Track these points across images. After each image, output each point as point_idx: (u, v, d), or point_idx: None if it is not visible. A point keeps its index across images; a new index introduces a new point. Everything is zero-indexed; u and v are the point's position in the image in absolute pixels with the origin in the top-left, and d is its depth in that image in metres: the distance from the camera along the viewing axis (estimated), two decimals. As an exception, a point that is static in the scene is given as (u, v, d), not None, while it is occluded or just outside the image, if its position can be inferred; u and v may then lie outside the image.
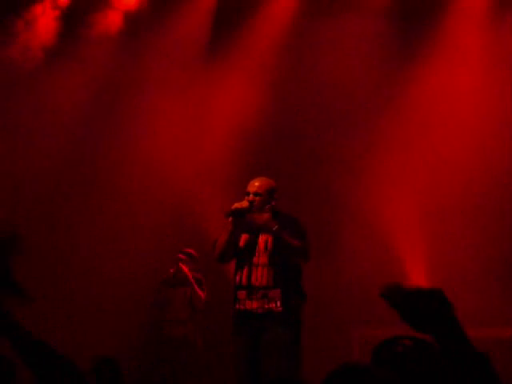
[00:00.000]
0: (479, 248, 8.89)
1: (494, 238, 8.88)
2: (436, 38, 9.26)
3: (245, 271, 5.85)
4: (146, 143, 9.63)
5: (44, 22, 9.71)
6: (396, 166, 9.19)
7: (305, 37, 9.55)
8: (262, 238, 5.87)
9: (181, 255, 8.55)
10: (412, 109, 9.27)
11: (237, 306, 5.87)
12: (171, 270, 8.56)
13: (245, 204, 5.84)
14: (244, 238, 5.93)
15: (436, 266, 8.96)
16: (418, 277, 9.01)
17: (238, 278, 5.89)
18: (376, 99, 9.38)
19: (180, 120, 9.63)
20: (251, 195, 5.88)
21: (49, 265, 9.46)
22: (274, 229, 5.75)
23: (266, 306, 5.75)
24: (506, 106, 9.01)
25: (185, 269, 8.45)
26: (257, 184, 5.92)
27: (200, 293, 8.43)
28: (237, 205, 5.84)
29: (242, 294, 5.85)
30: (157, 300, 8.63)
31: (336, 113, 9.47)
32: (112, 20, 9.75)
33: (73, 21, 9.68)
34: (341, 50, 9.37)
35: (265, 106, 9.42)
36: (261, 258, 5.84)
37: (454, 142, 9.04)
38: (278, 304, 5.74)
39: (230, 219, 5.82)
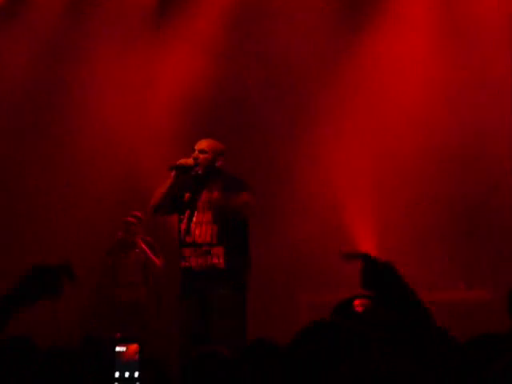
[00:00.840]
0: (427, 213, 8.98)
1: (445, 201, 8.98)
2: (384, 5, 9.27)
3: (189, 228, 5.91)
4: (92, 108, 9.56)
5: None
6: (345, 133, 9.21)
7: (253, 8, 9.50)
8: (205, 195, 5.92)
9: (129, 218, 8.52)
10: (360, 77, 9.29)
11: (182, 264, 5.92)
12: (120, 234, 8.53)
13: (189, 161, 5.90)
14: (187, 196, 5.98)
15: (384, 232, 9.03)
16: (365, 242, 9.08)
17: (182, 235, 5.96)
18: (325, 68, 9.39)
19: (126, 85, 9.54)
20: (196, 152, 5.93)
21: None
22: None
23: (210, 262, 5.81)
24: (454, 72, 9.07)
25: (139, 232, 8.41)
26: (204, 143, 6.00)
27: (154, 259, 8.41)
28: (181, 161, 5.91)
29: (186, 251, 5.91)
30: (107, 264, 8.59)
31: (284, 83, 9.48)
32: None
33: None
34: (289, 20, 9.34)
35: (212, 74, 9.42)
36: (205, 215, 5.90)
37: (403, 109, 9.10)
38: (221, 260, 5.80)
39: (173, 173, 5.89)
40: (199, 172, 5.91)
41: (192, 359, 2.95)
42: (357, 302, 2.90)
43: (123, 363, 2.59)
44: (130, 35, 9.60)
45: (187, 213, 5.95)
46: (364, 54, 9.29)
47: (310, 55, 9.35)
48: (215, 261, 5.81)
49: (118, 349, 2.62)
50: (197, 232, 5.88)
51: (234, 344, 4.80)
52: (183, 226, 5.96)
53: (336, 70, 9.37)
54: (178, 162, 5.90)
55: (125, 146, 9.41)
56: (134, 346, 2.63)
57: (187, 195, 5.99)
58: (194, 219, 5.91)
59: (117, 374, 2.59)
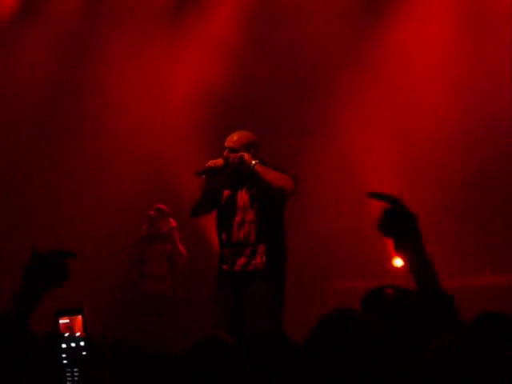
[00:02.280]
0: (451, 197, 9.01)
1: (469, 185, 9.00)
2: None
3: (231, 228, 5.73)
4: (114, 105, 9.62)
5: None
6: (367, 120, 9.23)
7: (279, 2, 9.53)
8: (245, 194, 5.74)
9: (152, 212, 8.55)
10: (382, 62, 9.30)
11: (223, 265, 5.76)
12: (144, 227, 8.57)
13: (219, 162, 5.67)
14: (226, 194, 5.78)
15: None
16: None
17: (223, 235, 5.78)
18: (344, 56, 9.40)
19: (146, 82, 9.60)
20: (226, 151, 5.70)
21: (25, 220, 9.47)
22: (251, 165, 5.58)
23: (253, 262, 5.66)
24: (474, 56, 9.08)
25: (163, 225, 8.48)
26: (233, 139, 5.71)
27: (182, 249, 8.47)
28: (210, 163, 5.67)
29: (228, 251, 5.74)
30: (132, 257, 8.64)
31: (304, 72, 9.51)
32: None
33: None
34: (309, 7, 9.37)
35: (231, 67, 9.47)
36: (247, 214, 5.71)
37: (425, 92, 9.12)
38: (264, 259, 5.65)
39: (203, 177, 5.69)
40: (232, 171, 5.69)
41: (196, 344, 2.97)
42: (388, 292, 2.90)
43: (68, 335, 2.62)
44: (149, 32, 9.64)
45: (227, 213, 5.75)
46: (383, 41, 9.31)
47: (329, 43, 9.33)
48: (258, 260, 5.66)
49: (61, 321, 2.64)
50: (240, 232, 5.70)
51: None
52: (223, 226, 5.78)
53: (356, 56, 9.39)
54: (206, 166, 5.64)
55: (148, 141, 9.48)
56: (78, 318, 2.65)
57: (225, 193, 5.77)
58: (237, 218, 5.72)
59: (63, 345, 2.62)
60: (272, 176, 5.57)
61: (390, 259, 9.33)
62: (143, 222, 8.62)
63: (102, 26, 9.65)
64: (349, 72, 9.31)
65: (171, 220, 8.54)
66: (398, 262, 9.30)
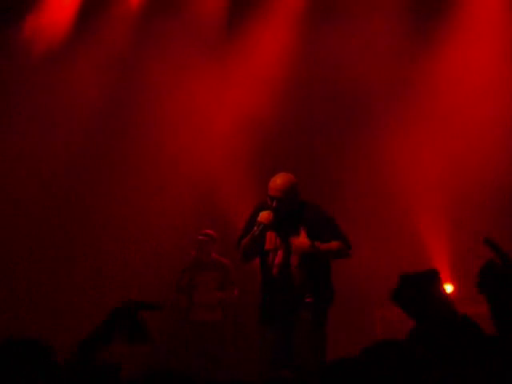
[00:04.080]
0: (497, 211, 8.94)
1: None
2: (453, 16, 9.24)
3: (272, 270, 5.79)
4: (163, 125, 9.70)
5: (59, 3, 9.77)
6: (412, 141, 9.18)
7: (319, 23, 9.56)
8: (292, 239, 5.77)
9: (202, 237, 8.54)
10: (429, 88, 9.27)
11: (267, 308, 5.84)
12: (192, 253, 8.56)
13: (269, 218, 5.69)
14: (270, 235, 5.81)
15: (457, 237, 9.00)
16: (439, 251, 9.08)
17: (265, 277, 5.85)
18: (393, 82, 9.37)
19: (193, 111, 9.66)
20: (274, 202, 5.73)
21: (73, 249, 9.57)
22: (314, 250, 5.70)
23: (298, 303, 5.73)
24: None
25: (212, 250, 8.47)
26: (277, 188, 5.74)
27: (229, 296, 8.46)
28: (262, 220, 5.70)
29: (271, 294, 5.82)
30: (182, 283, 8.60)
31: (351, 102, 9.48)
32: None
33: (89, 2, 9.71)
34: (357, 31, 9.37)
35: (277, 93, 9.47)
36: (293, 258, 5.76)
37: (473, 119, 9.04)
38: (309, 295, 5.74)
39: (256, 234, 5.73)
40: (285, 213, 5.75)
41: None
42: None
43: None
44: (197, 62, 9.69)
45: (271, 255, 5.81)
46: (430, 66, 9.27)
47: (378, 65, 9.34)
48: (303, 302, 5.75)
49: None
50: (285, 276, 5.75)
51: (314, 369, 4.82)
52: (267, 267, 5.84)
53: (407, 79, 9.37)
54: (260, 225, 5.68)
55: (194, 169, 9.53)
56: None
57: (270, 235, 5.81)
58: (281, 261, 5.78)
59: None
60: (330, 251, 5.75)
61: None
62: (192, 247, 8.62)
63: (151, 53, 9.73)
64: (394, 101, 9.31)
65: (227, 262, 8.50)
66: (447, 289, 9.23)
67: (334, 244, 5.74)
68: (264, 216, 5.71)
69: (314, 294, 5.74)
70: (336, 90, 9.48)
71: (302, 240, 5.70)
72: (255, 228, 5.72)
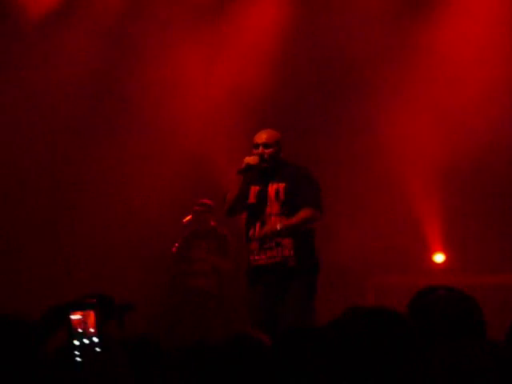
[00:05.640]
0: (493, 199, 8.99)
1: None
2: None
3: (258, 223, 5.85)
4: (155, 94, 9.68)
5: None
6: (403, 123, 9.18)
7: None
8: (272, 188, 5.87)
9: (198, 207, 8.52)
10: (420, 64, 9.24)
11: (251, 259, 5.88)
12: (185, 221, 8.50)
13: (255, 159, 5.82)
14: (253, 190, 5.93)
15: (451, 215, 9.06)
16: (432, 225, 9.12)
17: (251, 231, 5.89)
18: (382, 61, 9.35)
19: (184, 81, 9.62)
20: (260, 147, 5.87)
21: (68, 217, 9.60)
22: (280, 230, 5.73)
23: (280, 254, 5.76)
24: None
25: (209, 220, 8.50)
26: (265, 136, 5.90)
27: (222, 264, 8.48)
28: (247, 160, 5.82)
29: (255, 245, 5.86)
30: (179, 252, 8.60)
31: (345, 71, 9.46)
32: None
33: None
34: (346, 11, 9.34)
35: (269, 67, 9.46)
36: (273, 207, 5.84)
37: (460, 95, 9.03)
38: (292, 253, 5.76)
39: (239, 175, 5.85)
40: (267, 167, 5.86)
41: (225, 341, 2.98)
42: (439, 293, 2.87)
43: (81, 331, 2.52)
44: (187, 32, 9.65)
45: (255, 208, 5.88)
46: (424, 40, 9.25)
47: (368, 44, 9.30)
48: (286, 253, 5.77)
49: (72, 317, 2.53)
50: (267, 225, 5.78)
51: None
52: (252, 221, 5.90)
53: (397, 54, 9.35)
54: (245, 164, 5.81)
55: (190, 137, 9.52)
56: (91, 313, 2.55)
57: (252, 190, 5.93)
58: (263, 213, 5.84)
59: (76, 342, 2.51)
60: (298, 224, 5.76)
61: (430, 255, 9.32)
62: (184, 217, 8.56)
63: (141, 25, 9.68)
64: (388, 72, 9.30)
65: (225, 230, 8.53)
66: (439, 258, 9.28)
67: (301, 214, 5.77)
68: (249, 158, 5.83)
69: (298, 259, 5.77)
70: (326, 58, 9.46)
71: (272, 224, 5.76)
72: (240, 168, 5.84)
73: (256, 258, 5.85)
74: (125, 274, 9.17)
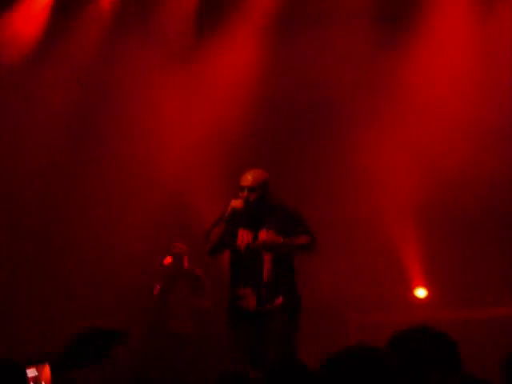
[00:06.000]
0: (476, 229, 9.02)
1: (493, 218, 9.02)
2: (420, 21, 9.30)
3: (244, 267, 5.85)
4: (131, 136, 9.63)
5: (32, 13, 9.71)
6: (385, 148, 9.21)
7: (287, 29, 9.56)
8: (262, 233, 5.81)
9: (173, 249, 8.54)
10: (394, 99, 9.27)
11: (238, 303, 5.86)
12: (165, 262, 8.49)
13: (239, 203, 5.78)
14: (241, 233, 5.88)
15: (431, 249, 9.06)
16: (413, 261, 9.13)
17: (238, 274, 5.89)
18: (362, 83, 9.39)
19: (164, 114, 9.61)
20: (246, 191, 5.83)
21: (46, 256, 9.50)
22: (278, 242, 5.76)
23: (270, 301, 5.78)
24: (486, 88, 9.09)
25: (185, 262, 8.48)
26: (250, 178, 5.85)
27: (200, 304, 8.44)
28: (235, 204, 5.78)
29: (241, 290, 5.85)
30: (155, 295, 8.56)
31: (322, 100, 9.48)
32: (100, 7, 9.77)
33: (61, 12, 9.67)
34: (325, 38, 9.39)
35: (250, 96, 9.46)
36: (257, 253, 5.82)
37: (437, 126, 9.10)
38: (280, 300, 5.78)
39: (222, 215, 5.84)
40: (253, 211, 5.84)
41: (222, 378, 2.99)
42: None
43: None
44: (166, 69, 9.69)
45: (240, 252, 5.85)
46: (399, 69, 9.31)
47: (347, 73, 9.34)
48: (274, 299, 5.78)
49: (29, 374, 2.47)
50: (255, 271, 5.80)
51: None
52: (238, 265, 5.89)
53: (371, 83, 9.39)
54: (231, 208, 5.77)
55: (168, 178, 9.49)
56: (45, 367, 2.52)
57: (241, 232, 5.88)
58: (250, 257, 5.82)
59: None
60: (296, 245, 5.79)
61: (411, 290, 9.30)
62: (164, 257, 8.56)
63: (117, 67, 9.68)
64: (364, 100, 9.33)
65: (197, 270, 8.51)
66: (421, 293, 9.27)
67: (298, 238, 5.78)
68: (235, 202, 5.80)
69: (282, 294, 5.78)
70: (303, 94, 9.49)
71: (268, 234, 5.76)
72: (226, 213, 5.81)
73: (245, 303, 5.81)
74: (105, 310, 9.06)
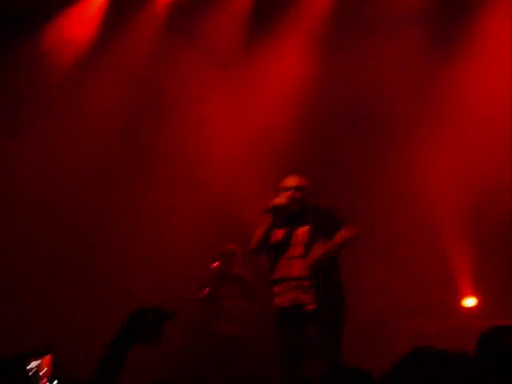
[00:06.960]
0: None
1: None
2: (469, 36, 9.24)
3: (281, 264, 5.93)
4: (180, 142, 9.76)
5: (86, 17, 9.82)
6: (434, 163, 9.14)
7: (340, 38, 9.56)
8: (297, 231, 5.96)
9: (223, 250, 8.53)
10: (447, 109, 9.24)
11: (275, 302, 5.94)
12: (214, 265, 8.49)
13: (284, 200, 5.97)
14: (277, 232, 6.02)
15: (481, 252, 8.97)
16: (464, 266, 9.06)
17: (274, 272, 5.98)
18: (414, 94, 9.35)
19: (212, 121, 9.68)
20: (293, 190, 6.02)
21: (94, 256, 9.61)
22: (327, 255, 5.81)
23: (301, 298, 5.80)
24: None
25: (235, 264, 8.49)
26: (296, 179, 6.09)
27: (251, 309, 8.42)
28: (276, 201, 5.99)
29: (278, 287, 5.93)
30: (204, 295, 8.53)
31: (373, 115, 9.46)
32: (155, 10, 9.85)
33: (115, 16, 9.76)
34: (377, 49, 9.36)
35: (298, 107, 9.52)
36: (296, 249, 5.92)
37: (488, 140, 9.00)
38: (312, 298, 5.78)
39: (269, 214, 5.97)
40: (295, 209, 6.01)
41: None
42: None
43: (41, 376, 2.50)
44: (214, 80, 9.74)
45: (279, 249, 5.98)
46: (454, 80, 9.26)
47: (398, 85, 9.31)
48: (307, 297, 5.81)
49: (31, 365, 2.49)
50: (290, 267, 5.89)
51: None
52: (275, 263, 5.99)
53: (426, 98, 9.38)
54: (274, 204, 5.97)
55: (216, 182, 9.55)
56: (47, 358, 2.53)
57: (281, 232, 6.02)
58: (287, 254, 5.93)
59: None
60: (341, 243, 5.86)
61: (460, 299, 9.21)
62: (211, 260, 8.57)
63: (167, 74, 9.76)
64: (415, 111, 9.29)
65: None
66: (470, 302, 9.17)
67: (341, 233, 5.85)
68: (279, 199, 6.00)
69: (319, 292, 5.79)
70: (353, 106, 9.47)
71: (312, 253, 5.83)
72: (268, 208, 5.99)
73: (280, 300, 5.89)
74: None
